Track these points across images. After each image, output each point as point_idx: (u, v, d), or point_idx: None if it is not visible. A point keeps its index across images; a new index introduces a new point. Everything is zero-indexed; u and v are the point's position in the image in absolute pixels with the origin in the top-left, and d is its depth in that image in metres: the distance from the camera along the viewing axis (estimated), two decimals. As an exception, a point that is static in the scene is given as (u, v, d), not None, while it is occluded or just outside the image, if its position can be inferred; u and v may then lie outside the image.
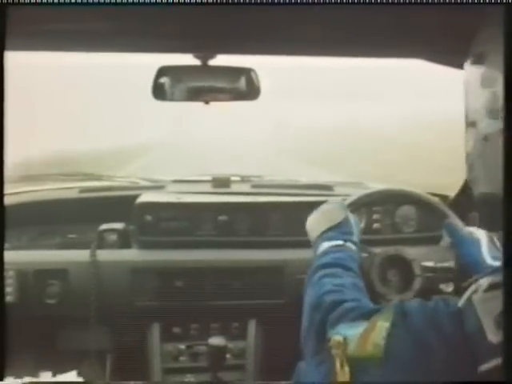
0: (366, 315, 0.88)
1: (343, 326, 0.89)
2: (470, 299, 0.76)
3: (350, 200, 1.51)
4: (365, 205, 1.61)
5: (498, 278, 0.75)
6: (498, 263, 1.23)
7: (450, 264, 1.43)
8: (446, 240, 1.48)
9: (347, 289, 1.03)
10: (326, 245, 1.22)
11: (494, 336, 0.70)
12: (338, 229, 1.27)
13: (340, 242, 1.22)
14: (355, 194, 1.55)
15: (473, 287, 0.77)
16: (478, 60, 0.82)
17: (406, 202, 1.80)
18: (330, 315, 0.94)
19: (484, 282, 0.76)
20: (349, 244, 1.22)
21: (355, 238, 1.27)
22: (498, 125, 0.76)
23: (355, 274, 1.12)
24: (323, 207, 1.36)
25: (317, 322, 0.98)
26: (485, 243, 1.31)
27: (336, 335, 0.87)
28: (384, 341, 0.80)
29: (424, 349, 0.77)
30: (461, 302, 0.78)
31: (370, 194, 1.56)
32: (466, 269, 1.35)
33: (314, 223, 1.32)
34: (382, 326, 0.82)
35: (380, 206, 1.83)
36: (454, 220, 1.49)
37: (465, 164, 0.89)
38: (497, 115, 0.76)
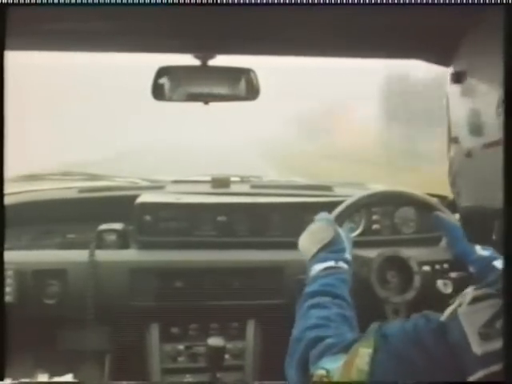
0: (347, 348, 0.88)
1: (325, 360, 0.89)
2: (454, 313, 0.77)
3: (349, 201, 1.51)
4: (364, 206, 1.60)
5: (481, 291, 0.77)
6: (486, 253, 1.24)
7: (447, 257, 1.43)
8: (445, 240, 1.48)
9: (332, 321, 1.03)
10: (316, 268, 1.20)
11: (478, 348, 0.72)
12: (329, 248, 1.24)
13: (331, 264, 1.20)
14: (355, 194, 1.55)
15: (457, 301, 0.79)
16: (459, 78, 0.83)
17: (405, 204, 1.80)
18: (311, 351, 0.95)
19: (468, 295, 0.78)
20: (340, 264, 1.20)
21: (347, 254, 1.25)
22: (480, 141, 0.77)
23: (344, 302, 1.10)
24: (311, 227, 1.33)
25: (298, 356, 0.98)
26: None
27: (319, 370, 0.88)
28: (368, 366, 0.81)
29: (409, 368, 0.78)
30: (444, 317, 0.79)
31: (369, 196, 1.56)
32: (458, 259, 1.36)
33: (305, 245, 1.30)
34: (364, 352, 0.83)
35: (379, 207, 1.83)
36: (444, 212, 1.48)
37: (448, 177, 0.90)
38: (479, 132, 0.77)
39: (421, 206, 1.62)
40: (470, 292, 0.78)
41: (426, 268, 1.44)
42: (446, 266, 1.43)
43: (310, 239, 1.30)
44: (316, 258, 1.24)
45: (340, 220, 1.47)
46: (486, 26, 0.78)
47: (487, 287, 0.78)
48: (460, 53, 0.85)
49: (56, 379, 1.60)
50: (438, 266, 1.44)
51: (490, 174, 0.77)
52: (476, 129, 0.79)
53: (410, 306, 1.38)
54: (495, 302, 0.74)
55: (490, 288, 0.78)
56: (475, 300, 0.76)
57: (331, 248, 1.25)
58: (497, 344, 0.71)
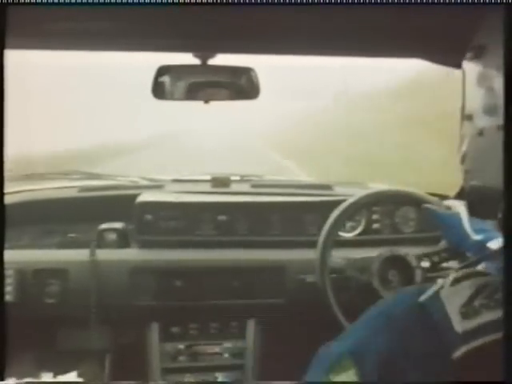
0: None
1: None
2: (437, 294, 0.81)
3: (350, 201, 1.51)
4: (364, 206, 1.60)
5: (461, 271, 0.82)
6: (481, 236, 1.23)
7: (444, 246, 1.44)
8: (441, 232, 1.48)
9: None
10: None
11: (459, 326, 0.76)
12: None
13: None
14: (355, 194, 1.55)
15: (439, 283, 0.82)
16: (477, 54, 0.83)
17: (406, 203, 1.80)
18: None
19: (449, 277, 0.82)
20: None
21: None
22: (494, 121, 0.77)
23: None
24: None
25: None
26: (465, 216, 1.30)
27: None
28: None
29: (396, 364, 0.79)
30: (424, 297, 0.81)
31: (369, 195, 1.56)
32: (455, 247, 1.36)
33: None
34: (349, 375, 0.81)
35: (380, 206, 1.83)
36: (433, 204, 1.47)
37: (457, 153, 0.90)
38: (493, 112, 0.78)
39: (421, 205, 1.62)
40: (451, 274, 0.82)
41: (425, 261, 1.44)
42: (444, 255, 1.44)
43: None
44: None
45: (341, 219, 1.47)
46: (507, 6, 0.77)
47: (467, 267, 0.84)
48: (481, 28, 0.85)
49: (59, 378, 1.60)
50: (436, 258, 1.44)
51: (501, 155, 0.77)
52: (491, 108, 0.79)
53: None
54: (474, 281, 0.79)
55: (469, 268, 0.83)
56: (456, 281, 0.81)
57: None
58: (476, 321, 0.76)
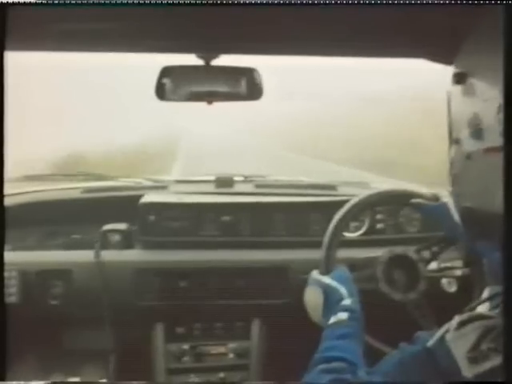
0: None
1: None
2: (442, 339, 0.80)
3: (354, 200, 1.50)
4: (369, 206, 1.60)
5: (466, 314, 0.81)
6: None
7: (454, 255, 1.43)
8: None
9: None
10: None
11: (468, 372, 0.75)
12: (326, 306, 1.19)
13: (333, 320, 1.12)
14: (359, 194, 1.54)
15: (444, 327, 0.82)
16: (460, 79, 0.84)
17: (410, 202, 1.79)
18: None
19: (454, 320, 0.81)
20: (340, 315, 1.12)
21: (345, 300, 1.17)
22: (481, 145, 0.78)
23: (339, 363, 0.98)
24: (305, 299, 1.27)
25: None
26: (452, 204, 1.30)
27: None
28: None
29: None
30: (431, 342, 0.81)
31: (373, 195, 1.55)
32: (448, 237, 1.39)
33: (315, 317, 1.24)
34: None
35: (384, 206, 1.82)
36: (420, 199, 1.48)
37: (448, 177, 0.91)
38: (480, 136, 0.79)
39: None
40: (456, 317, 0.81)
41: (425, 251, 1.43)
42: (442, 244, 1.43)
43: (311, 311, 1.26)
44: (324, 322, 1.17)
45: (345, 219, 1.47)
46: (488, 26, 0.78)
47: (471, 311, 0.83)
48: (461, 53, 0.86)
49: (62, 379, 1.60)
50: (435, 248, 1.43)
51: (490, 178, 0.78)
52: (477, 132, 0.80)
53: (427, 297, 1.37)
54: (480, 323, 0.78)
55: (473, 311, 0.82)
56: (461, 324, 0.79)
57: (328, 304, 1.20)
58: (485, 366, 0.74)
